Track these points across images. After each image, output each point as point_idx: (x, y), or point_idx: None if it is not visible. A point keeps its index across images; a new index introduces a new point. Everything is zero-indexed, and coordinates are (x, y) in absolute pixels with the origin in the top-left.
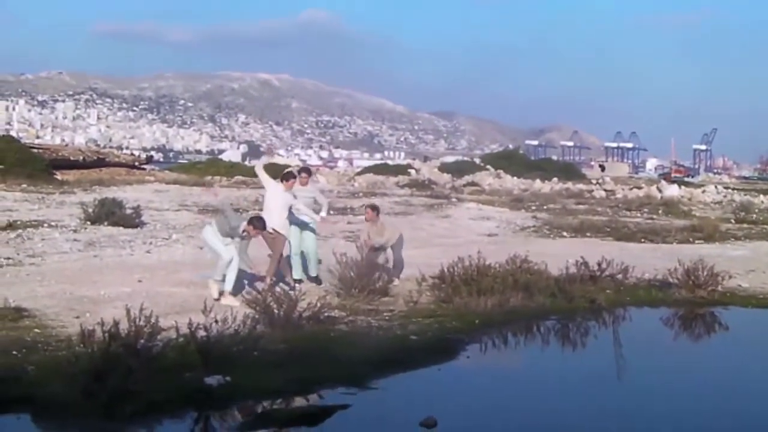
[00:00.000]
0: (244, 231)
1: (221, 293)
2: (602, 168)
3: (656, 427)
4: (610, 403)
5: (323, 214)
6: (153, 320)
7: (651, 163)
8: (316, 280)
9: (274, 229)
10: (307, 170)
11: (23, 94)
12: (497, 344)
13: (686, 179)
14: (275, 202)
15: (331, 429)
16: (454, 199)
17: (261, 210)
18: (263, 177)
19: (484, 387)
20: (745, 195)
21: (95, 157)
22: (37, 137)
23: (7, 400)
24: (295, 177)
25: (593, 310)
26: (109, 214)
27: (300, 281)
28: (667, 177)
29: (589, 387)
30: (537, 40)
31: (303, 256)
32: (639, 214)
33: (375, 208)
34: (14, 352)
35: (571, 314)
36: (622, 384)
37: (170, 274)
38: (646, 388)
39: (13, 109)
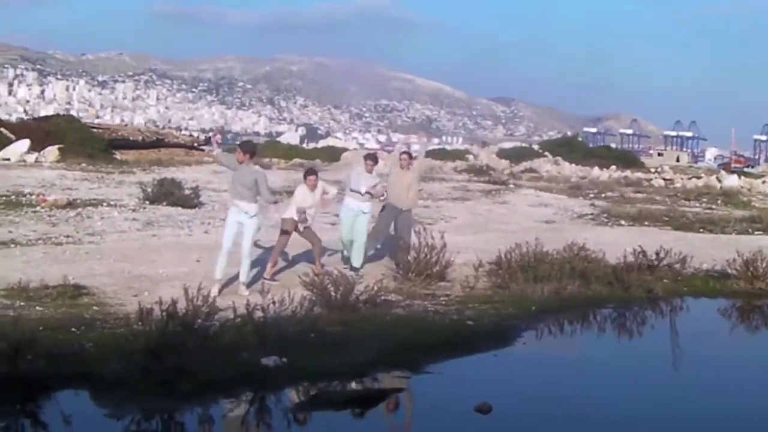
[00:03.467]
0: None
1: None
2: (677, 159)
3: (713, 419)
4: (665, 394)
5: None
6: (210, 300)
7: (710, 153)
8: (356, 270)
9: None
10: (372, 156)
11: (84, 74)
12: (553, 332)
13: (746, 169)
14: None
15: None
16: (511, 185)
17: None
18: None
19: (539, 374)
20: None
21: (154, 138)
22: (97, 117)
23: (65, 376)
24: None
25: (650, 300)
26: (168, 194)
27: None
28: (726, 167)
29: (645, 377)
30: (596, 26)
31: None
32: (698, 204)
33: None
34: (73, 329)
35: (627, 303)
36: (677, 375)
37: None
38: (703, 379)
39: (74, 89)
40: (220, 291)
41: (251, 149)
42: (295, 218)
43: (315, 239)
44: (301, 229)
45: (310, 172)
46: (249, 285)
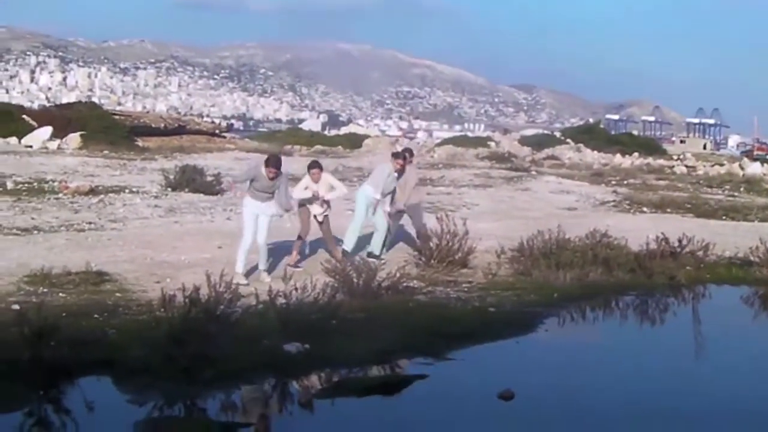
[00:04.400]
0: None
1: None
2: (704, 146)
3: (737, 408)
4: (687, 381)
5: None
6: (233, 286)
7: (733, 141)
8: (376, 257)
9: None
10: (401, 154)
11: (105, 61)
12: (575, 318)
13: None
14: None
15: (409, 399)
16: (533, 172)
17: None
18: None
19: (562, 361)
20: None
21: (176, 125)
22: (119, 104)
23: (88, 363)
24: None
25: (673, 287)
26: (190, 180)
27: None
28: (749, 154)
29: (667, 365)
30: (619, 12)
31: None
32: (720, 191)
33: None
34: (96, 316)
35: (650, 290)
36: (700, 362)
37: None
38: (726, 366)
39: (96, 76)
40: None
41: (277, 164)
42: (311, 210)
43: (328, 235)
44: (320, 219)
45: (313, 165)
46: (270, 271)
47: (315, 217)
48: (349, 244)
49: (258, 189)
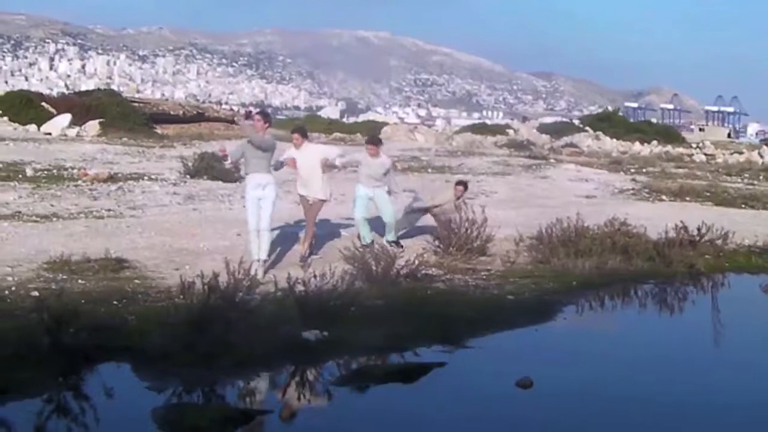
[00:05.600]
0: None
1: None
2: (729, 134)
3: (757, 400)
4: (706, 371)
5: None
6: (251, 273)
7: (752, 129)
8: (397, 245)
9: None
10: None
11: (124, 48)
12: (594, 306)
13: None
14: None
15: (428, 386)
16: (552, 160)
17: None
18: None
19: (580, 349)
20: None
21: (195, 112)
22: (138, 91)
23: (108, 349)
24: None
25: (692, 275)
26: (209, 168)
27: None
28: None
29: (686, 354)
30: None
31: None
32: (739, 179)
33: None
34: (115, 302)
35: (669, 278)
36: (719, 352)
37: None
38: (746, 356)
39: (115, 63)
40: (264, 272)
41: (268, 118)
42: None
43: (311, 224)
44: (310, 201)
45: (294, 130)
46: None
47: (304, 198)
48: (365, 237)
49: (253, 155)
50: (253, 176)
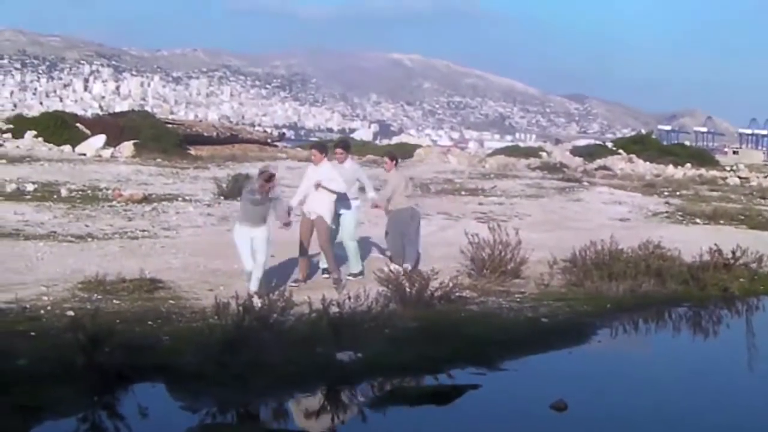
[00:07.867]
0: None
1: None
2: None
3: None
4: (740, 395)
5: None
6: (286, 294)
7: None
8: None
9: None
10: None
11: (158, 70)
12: (628, 330)
13: None
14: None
15: (462, 408)
16: (585, 183)
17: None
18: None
19: (615, 372)
20: None
21: (228, 134)
22: (171, 113)
23: (142, 369)
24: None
25: (726, 299)
26: (242, 189)
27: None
28: None
29: (721, 378)
30: (672, 22)
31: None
32: None
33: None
34: (149, 322)
35: (703, 302)
36: (754, 376)
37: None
38: None
39: (149, 85)
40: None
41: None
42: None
43: (326, 246)
44: (312, 217)
45: (312, 146)
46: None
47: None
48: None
49: (253, 210)
50: (245, 226)
